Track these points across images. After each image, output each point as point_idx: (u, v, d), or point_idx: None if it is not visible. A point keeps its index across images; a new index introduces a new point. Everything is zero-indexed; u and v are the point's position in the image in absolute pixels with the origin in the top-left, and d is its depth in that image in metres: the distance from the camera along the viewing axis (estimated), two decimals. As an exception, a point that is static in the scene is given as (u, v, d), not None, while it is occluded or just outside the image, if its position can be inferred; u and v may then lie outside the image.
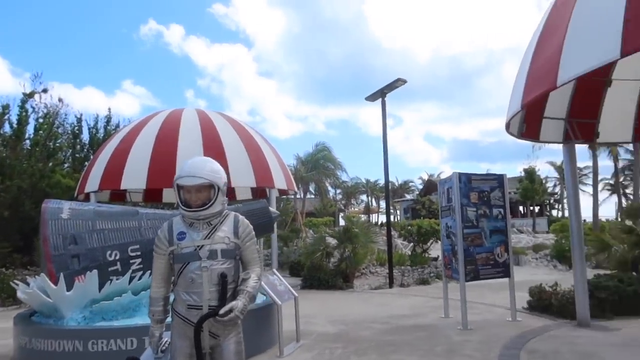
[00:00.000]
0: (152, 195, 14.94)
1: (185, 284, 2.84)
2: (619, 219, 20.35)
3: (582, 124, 7.53)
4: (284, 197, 31.26)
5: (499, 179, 8.13)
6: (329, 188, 43.53)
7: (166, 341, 2.98)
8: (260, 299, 6.96)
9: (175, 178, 2.89)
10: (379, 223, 48.19)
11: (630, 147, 31.49)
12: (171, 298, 3.03)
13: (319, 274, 12.88)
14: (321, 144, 33.98)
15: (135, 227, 6.29)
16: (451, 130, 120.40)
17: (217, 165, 2.98)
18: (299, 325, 6.83)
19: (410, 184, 68.87)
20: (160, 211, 7.28)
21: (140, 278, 5.91)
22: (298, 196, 36.47)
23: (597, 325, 7.27)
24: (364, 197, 68.06)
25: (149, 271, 4.19)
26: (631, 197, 32.30)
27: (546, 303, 8.29)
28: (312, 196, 45.96)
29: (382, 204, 65.81)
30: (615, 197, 45.04)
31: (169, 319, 2.99)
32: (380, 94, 14.02)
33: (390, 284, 12.98)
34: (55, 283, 5.66)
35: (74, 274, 5.86)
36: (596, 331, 6.94)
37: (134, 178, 10.67)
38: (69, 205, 6.44)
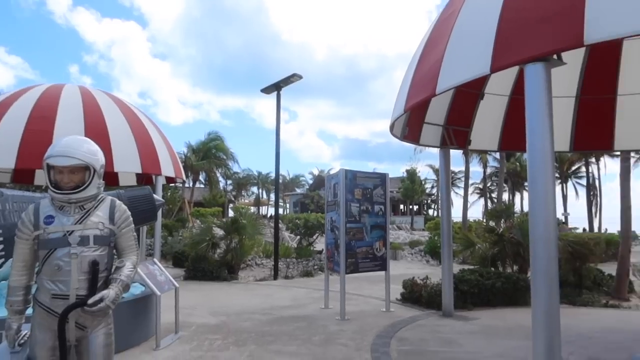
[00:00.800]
0: (22, 176, 13.56)
1: (51, 271, 2.63)
2: (484, 220, 22.48)
3: (458, 131, 8.21)
4: (172, 185, 30.11)
5: (382, 177, 8.58)
6: (220, 178, 42.81)
7: (25, 334, 2.74)
8: (138, 290, 6.66)
9: (45, 156, 2.66)
10: (269, 215, 48.37)
11: (497, 155, 34.93)
12: (33, 289, 2.79)
13: (204, 265, 12.63)
14: (214, 132, 33.33)
15: (-3, 210, 5.67)
16: (343, 128, 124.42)
17: (94, 146, 2.80)
18: (179, 316, 6.65)
19: (301, 178, 70.06)
20: (30, 194, 6.61)
21: (1, 266, 5.34)
22: (187, 185, 35.38)
23: (459, 315, 7.99)
24: (255, 189, 67.86)
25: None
26: (496, 200, 35.84)
27: (417, 295, 8.93)
28: (202, 186, 44.86)
29: (273, 196, 66.19)
30: (482, 200, 49.68)
31: (29, 311, 2.75)
32: (275, 88, 14.05)
33: (275, 276, 13.12)
34: None
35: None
36: (458, 320, 7.62)
37: (1, 156, 9.59)
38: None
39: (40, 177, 13.23)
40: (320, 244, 17.59)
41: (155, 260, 6.94)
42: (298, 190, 63.19)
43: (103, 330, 2.76)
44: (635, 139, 8.54)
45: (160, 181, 12.08)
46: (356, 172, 8.18)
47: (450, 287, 8.03)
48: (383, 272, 8.50)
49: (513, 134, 8.48)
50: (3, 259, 5.34)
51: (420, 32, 6.50)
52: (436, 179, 55.46)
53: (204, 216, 24.83)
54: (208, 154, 32.79)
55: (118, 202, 2.89)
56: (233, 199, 57.92)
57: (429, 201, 56.58)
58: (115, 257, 2.89)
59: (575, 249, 10.32)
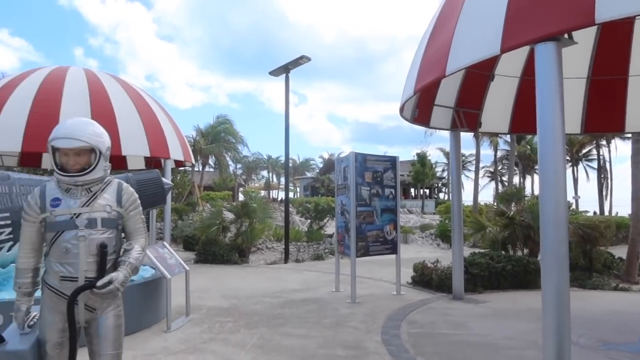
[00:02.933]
0: (29, 160, 13.67)
1: (59, 254, 2.64)
2: (495, 204, 22.35)
3: (468, 113, 8.10)
4: (181, 169, 30.23)
5: (392, 160, 8.52)
6: (230, 162, 42.90)
7: (34, 316, 2.76)
8: (149, 273, 6.72)
9: (50, 139, 2.65)
10: (279, 199, 48.53)
11: (508, 138, 34.56)
12: (42, 271, 2.81)
13: (214, 249, 12.73)
14: (222, 116, 33.34)
15: (6, 193, 5.71)
16: (354, 111, 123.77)
17: (99, 128, 2.78)
18: (190, 299, 6.71)
19: (311, 162, 69.98)
20: (37, 177, 6.65)
21: (9, 249, 5.41)
22: (196, 169, 35.52)
23: (470, 298, 7.98)
24: (264, 172, 68.03)
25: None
26: (506, 183, 35.57)
27: (427, 278, 8.93)
28: (212, 170, 45.03)
29: (283, 180, 66.30)
30: (493, 184, 49.37)
31: (38, 293, 2.78)
32: (284, 70, 13.96)
33: (286, 260, 13.18)
34: None
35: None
36: (468, 303, 7.62)
37: (7, 139, 9.62)
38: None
39: (47, 161, 13.33)
40: (330, 227, 17.62)
41: (165, 243, 6.98)
42: (308, 174, 63.18)
43: (113, 312, 2.78)
44: (649, 120, 8.39)
45: (169, 165, 12.13)
46: (366, 155, 8.13)
47: (460, 270, 8.01)
48: (394, 256, 8.49)
49: (524, 116, 8.36)
50: (12, 242, 5.41)
51: (431, 12, 6.38)
52: (447, 162, 55.11)
53: (214, 200, 24.95)
54: (217, 138, 32.82)
55: (125, 184, 2.88)
56: (243, 182, 58.15)
57: (439, 185, 56.34)
58: (124, 239, 2.90)
59: (585, 232, 10.23)
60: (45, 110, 9.78)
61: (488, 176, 54.24)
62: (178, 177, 30.42)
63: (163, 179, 7.00)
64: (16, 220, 5.38)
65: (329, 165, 49.28)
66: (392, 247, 8.38)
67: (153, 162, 12.97)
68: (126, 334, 5.32)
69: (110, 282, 2.59)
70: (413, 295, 8.25)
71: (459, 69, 4.66)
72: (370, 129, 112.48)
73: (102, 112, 10.16)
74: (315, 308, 7.30)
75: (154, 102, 12.29)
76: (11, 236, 5.46)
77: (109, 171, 2.84)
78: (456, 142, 8.20)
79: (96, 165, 2.70)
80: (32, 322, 2.75)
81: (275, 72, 14.26)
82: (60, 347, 2.66)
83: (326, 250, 14.57)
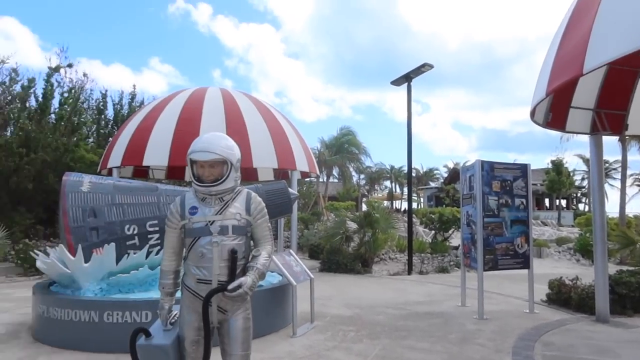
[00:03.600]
0: (174, 173, 15.17)
1: (196, 258, 2.88)
2: (648, 215, 19.81)
3: (611, 115, 7.29)
4: (307, 180, 31.34)
5: (523, 168, 7.96)
6: (353, 173, 43.50)
7: (175, 314, 3.04)
8: (276, 279, 7.04)
9: (188, 152, 2.92)
10: (402, 210, 48.05)
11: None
12: (182, 273, 3.08)
13: (338, 258, 12.92)
14: (346, 127, 33.97)
15: (154, 203, 6.40)
16: (480, 118, 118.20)
17: (231, 142, 2.99)
18: (314, 306, 6.89)
19: (435, 171, 68.05)
20: (181, 188, 7.37)
21: (157, 253, 6.02)
22: (321, 180, 36.57)
23: (616, 321, 7.13)
24: (387, 183, 67.71)
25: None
26: (663, 193, 31.29)
27: (565, 297, 8.15)
28: (336, 180, 46.02)
29: (406, 190, 65.43)
30: (645, 193, 43.79)
31: (179, 293, 3.05)
32: (405, 79, 13.83)
33: (409, 271, 12.95)
34: (74, 255, 5.81)
35: (92, 246, 6.01)
36: (615, 327, 6.81)
37: (156, 155, 10.82)
38: (89, 179, 6.57)
39: (188, 174, 14.62)
40: (455, 239, 16.97)
41: (292, 251, 7.26)
42: (432, 184, 61.64)
43: (242, 315, 2.96)
44: None
45: (295, 176, 12.66)
46: (493, 162, 7.70)
47: (605, 289, 7.20)
48: (526, 271, 7.91)
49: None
50: (159, 247, 6.01)
51: (563, 10, 5.89)
52: (587, 169, 50.16)
53: (338, 210, 25.44)
54: (341, 149, 33.49)
55: (253, 194, 3.07)
56: (366, 193, 58.52)
57: (578, 194, 51.44)
58: (252, 246, 3.07)
59: None
60: (187, 127, 10.83)
61: (637, 184, 48.28)
62: (304, 188, 31.60)
63: (289, 189, 7.32)
64: (163, 227, 6.00)
65: (454, 174, 47.61)
66: (523, 261, 7.80)
67: (281, 174, 13.65)
68: (255, 336, 5.61)
69: (239, 286, 2.76)
70: (548, 315, 7.59)
71: (599, 65, 4.21)
72: (499, 136, 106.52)
73: (236, 127, 10.98)
74: (439, 322, 7.06)
75: (281, 117, 12.95)
76: (159, 241, 6.08)
77: (239, 182, 3.04)
78: (597, 147, 7.42)
79: (227, 175, 2.91)
80: (173, 320, 3.03)
81: (396, 82, 14.18)
82: (196, 344, 2.90)
83: (451, 263, 14.04)
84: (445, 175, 58.92)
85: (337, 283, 10.92)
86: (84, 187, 6.43)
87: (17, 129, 15.96)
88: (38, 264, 6.31)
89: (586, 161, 48.03)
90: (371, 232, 13.38)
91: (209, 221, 2.88)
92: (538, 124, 6.98)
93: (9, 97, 16.45)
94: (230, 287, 2.76)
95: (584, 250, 16.51)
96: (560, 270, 12.98)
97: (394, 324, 6.87)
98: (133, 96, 20.56)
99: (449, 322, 7.08)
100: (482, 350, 5.59)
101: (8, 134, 16.15)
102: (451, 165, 61.10)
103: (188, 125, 10.90)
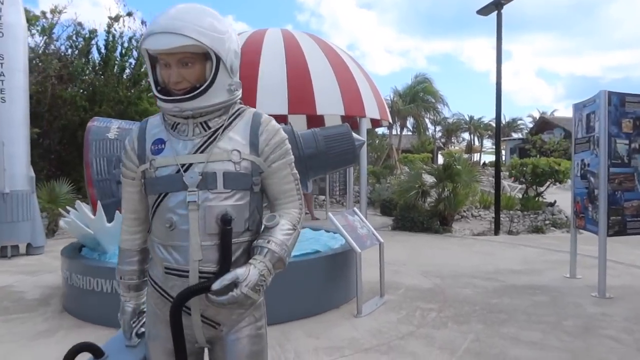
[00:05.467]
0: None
1: (162, 230, 1.60)
2: None
3: None
4: (380, 132, 29.63)
5: (664, 102, 5.99)
6: (428, 124, 40.96)
7: (144, 322, 1.82)
8: (338, 243, 5.78)
9: (142, 37, 1.59)
10: (481, 163, 45.30)
11: None
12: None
13: (413, 215, 11.51)
14: (421, 74, 31.52)
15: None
16: (568, 64, 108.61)
17: (221, 22, 1.60)
18: (384, 275, 5.59)
19: (519, 121, 63.46)
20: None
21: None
22: (394, 132, 34.65)
23: None
24: (465, 135, 64.01)
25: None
26: None
27: None
28: (409, 133, 43.86)
29: (486, 143, 61.79)
30: None
31: None
32: (495, 6, 11.70)
33: (496, 231, 11.27)
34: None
35: (118, 203, 5.01)
36: None
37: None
38: (117, 125, 5.55)
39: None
40: (550, 195, 14.86)
41: (356, 209, 5.94)
42: (515, 135, 57.40)
43: (247, 330, 1.65)
44: None
45: (365, 124, 11.19)
46: (624, 94, 5.80)
47: None
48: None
49: None
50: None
51: None
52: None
53: (412, 162, 23.73)
54: (415, 98, 31.14)
55: (265, 116, 1.69)
56: (442, 145, 55.73)
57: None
58: (266, 208, 1.75)
59: None
60: (244, 72, 9.61)
61: None
62: (376, 141, 29.96)
63: (354, 134, 5.92)
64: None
65: (542, 124, 43.75)
66: (660, 224, 5.97)
67: (350, 123, 12.27)
68: (310, 314, 4.32)
69: (234, 285, 1.47)
70: (694, 293, 5.81)
71: None
72: (590, 84, 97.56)
73: (298, 70, 9.73)
74: (546, 300, 5.51)
75: (349, 59, 11.46)
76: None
77: (238, 94, 1.68)
78: None
79: (213, 80, 1.56)
80: (141, 331, 1.82)
81: (484, 11, 12.08)
82: None
83: (547, 222, 12.14)
84: (531, 125, 54.72)
85: (412, 244, 9.54)
86: (111, 133, 5.43)
87: (80, 83, 15.62)
88: (61, 223, 5.46)
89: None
90: (451, 186, 11.75)
91: (183, 164, 1.58)
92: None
93: (76, 52, 16.12)
94: (215, 286, 1.47)
95: None
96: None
97: (486, 302, 5.42)
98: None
99: (558, 301, 5.51)
100: (618, 349, 4.03)
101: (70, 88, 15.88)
102: (537, 115, 56.61)
103: (245, 69, 9.64)
